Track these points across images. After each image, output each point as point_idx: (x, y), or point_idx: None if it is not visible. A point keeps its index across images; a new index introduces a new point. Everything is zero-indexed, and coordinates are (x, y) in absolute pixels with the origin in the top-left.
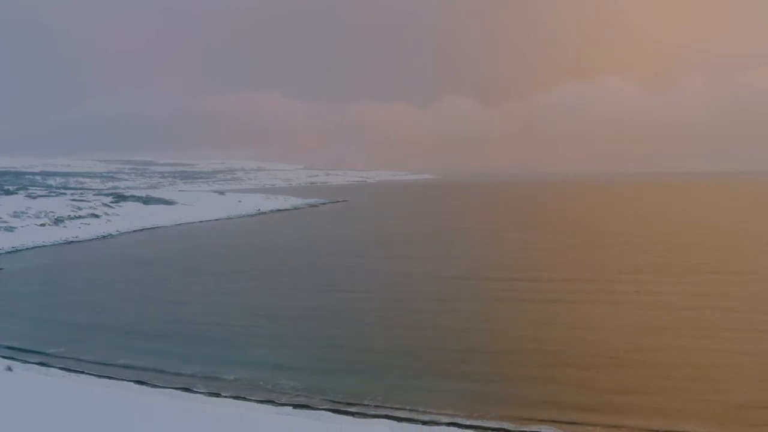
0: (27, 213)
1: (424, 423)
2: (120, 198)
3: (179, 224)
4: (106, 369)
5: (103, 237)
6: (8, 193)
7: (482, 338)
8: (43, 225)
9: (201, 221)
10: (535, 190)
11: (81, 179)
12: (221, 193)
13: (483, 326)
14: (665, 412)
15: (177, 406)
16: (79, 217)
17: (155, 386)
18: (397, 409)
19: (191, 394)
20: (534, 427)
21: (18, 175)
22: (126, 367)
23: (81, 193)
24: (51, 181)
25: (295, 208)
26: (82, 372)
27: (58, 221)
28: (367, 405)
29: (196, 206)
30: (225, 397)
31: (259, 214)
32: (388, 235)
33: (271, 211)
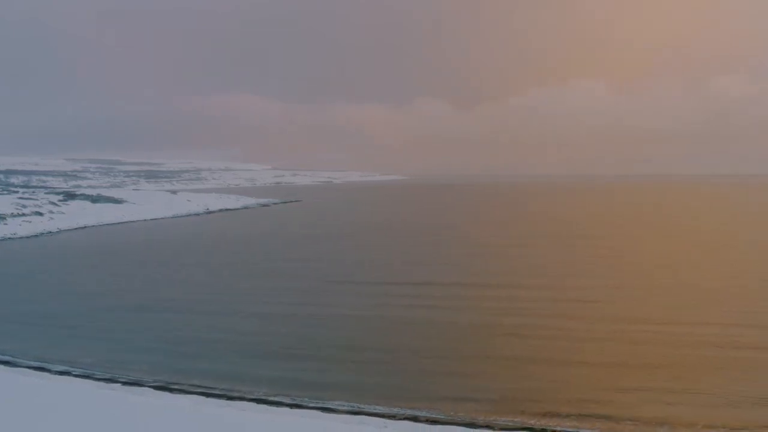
0: None
1: (230, 398)
2: (69, 196)
3: (122, 222)
4: None
5: (41, 234)
6: None
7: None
8: None
9: (145, 220)
10: (498, 192)
11: (44, 178)
12: (174, 192)
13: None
14: None
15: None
16: (22, 215)
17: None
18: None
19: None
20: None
21: None
22: None
23: (33, 192)
24: (14, 180)
25: (245, 208)
26: None
27: None
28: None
29: (144, 205)
30: (73, 375)
31: (207, 213)
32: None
33: (220, 211)
